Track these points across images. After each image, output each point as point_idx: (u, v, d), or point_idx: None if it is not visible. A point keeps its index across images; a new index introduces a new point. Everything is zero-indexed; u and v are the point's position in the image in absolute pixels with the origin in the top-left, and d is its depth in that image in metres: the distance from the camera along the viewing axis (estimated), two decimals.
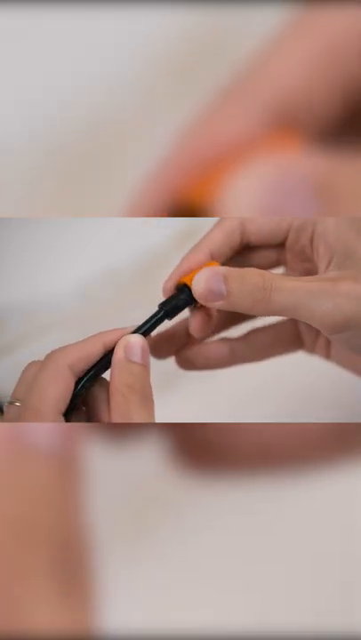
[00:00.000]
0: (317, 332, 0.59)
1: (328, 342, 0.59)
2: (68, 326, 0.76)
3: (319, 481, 0.55)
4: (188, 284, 0.54)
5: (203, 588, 0.57)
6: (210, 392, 0.71)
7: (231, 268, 0.54)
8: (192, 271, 0.55)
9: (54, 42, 0.58)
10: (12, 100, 0.59)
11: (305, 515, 0.59)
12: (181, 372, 0.61)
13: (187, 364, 0.59)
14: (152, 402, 0.52)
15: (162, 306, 0.55)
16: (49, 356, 0.53)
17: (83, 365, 0.53)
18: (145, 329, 0.54)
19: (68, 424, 0.51)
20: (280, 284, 0.52)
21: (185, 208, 0.49)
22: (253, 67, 0.50)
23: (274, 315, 0.53)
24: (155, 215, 0.50)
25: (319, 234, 0.54)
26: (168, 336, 0.60)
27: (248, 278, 0.52)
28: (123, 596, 0.53)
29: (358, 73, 0.49)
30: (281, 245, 0.57)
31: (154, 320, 0.54)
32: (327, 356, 0.60)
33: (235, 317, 0.61)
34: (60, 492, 0.46)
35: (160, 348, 0.60)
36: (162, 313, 0.55)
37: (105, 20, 0.58)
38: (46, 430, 0.47)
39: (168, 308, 0.55)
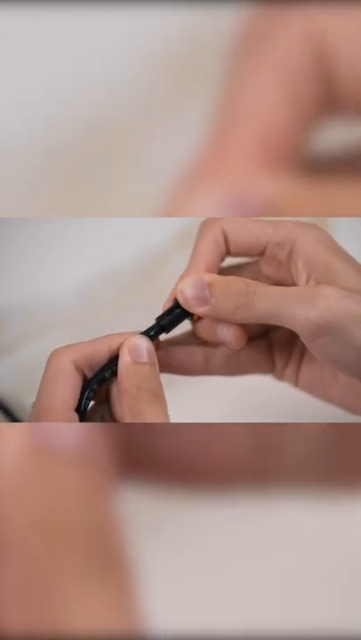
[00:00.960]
0: (288, 359, 0.60)
1: (297, 369, 0.60)
2: (68, 326, 0.76)
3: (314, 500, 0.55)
4: None
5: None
6: (209, 394, 0.71)
7: (215, 275, 0.54)
8: None
9: (54, 42, 0.58)
10: (12, 100, 0.59)
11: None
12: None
13: (159, 364, 0.59)
14: (163, 399, 0.53)
15: (159, 320, 0.55)
16: (52, 354, 0.53)
17: (87, 363, 0.53)
18: None
19: (89, 424, 0.51)
20: (263, 289, 0.53)
21: None
22: (229, 105, 0.53)
23: (256, 320, 0.53)
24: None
25: (298, 250, 0.55)
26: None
27: (232, 284, 0.53)
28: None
29: (314, 94, 0.53)
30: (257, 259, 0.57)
31: (151, 333, 0.55)
32: (295, 382, 0.60)
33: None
34: (88, 491, 0.46)
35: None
36: (158, 327, 0.55)
37: (105, 20, 0.58)
38: (68, 430, 0.47)
39: (164, 323, 0.55)
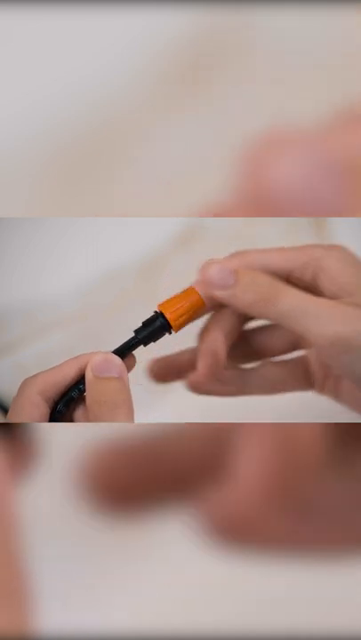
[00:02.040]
0: (327, 373, 0.60)
1: (337, 383, 0.59)
2: (68, 326, 0.76)
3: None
4: (164, 312, 0.55)
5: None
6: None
7: (244, 267, 0.54)
8: (170, 300, 0.55)
9: (54, 42, 0.58)
10: (12, 100, 0.59)
11: None
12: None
13: (197, 388, 0.59)
14: (125, 408, 0.52)
15: (137, 332, 0.55)
16: (21, 385, 0.53)
17: (56, 390, 0.53)
18: (119, 353, 0.54)
19: None
20: (289, 289, 0.53)
21: None
22: None
23: (273, 318, 0.53)
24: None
25: (323, 269, 0.54)
26: (171, 361, 0.60)
27: (259, 275, 0.53)
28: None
29: None
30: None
31: (128, 346, 0.54)
32: (336, 397, 0.60)
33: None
34: None
35: (163, 373, 0.60)
36: (136, 340, 0.55)
37: (105, 20, 0.58)
38: None
39: (142, 336, 0.55)
